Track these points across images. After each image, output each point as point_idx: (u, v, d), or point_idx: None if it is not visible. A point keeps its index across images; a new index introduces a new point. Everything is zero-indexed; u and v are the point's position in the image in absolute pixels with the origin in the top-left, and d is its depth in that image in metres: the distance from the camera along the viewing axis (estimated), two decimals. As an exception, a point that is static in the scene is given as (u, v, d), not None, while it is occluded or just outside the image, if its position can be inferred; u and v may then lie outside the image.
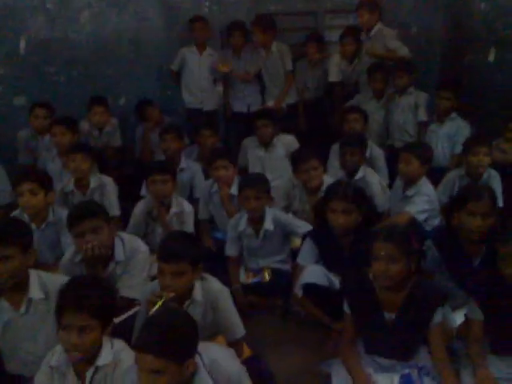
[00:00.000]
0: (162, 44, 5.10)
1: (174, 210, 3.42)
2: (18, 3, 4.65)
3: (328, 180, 3.47)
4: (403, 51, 4.62)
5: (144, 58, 5.08)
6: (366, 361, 2.33)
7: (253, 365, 2.31)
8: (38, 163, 4.38)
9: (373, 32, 4.74)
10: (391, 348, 2.29)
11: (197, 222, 3.67)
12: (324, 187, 3.24)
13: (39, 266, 2.72)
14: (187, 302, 2.30)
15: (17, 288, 2.25)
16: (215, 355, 1.88)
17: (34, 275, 2.31)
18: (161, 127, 4.51)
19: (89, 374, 1.94)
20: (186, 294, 2.28)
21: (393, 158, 3.93)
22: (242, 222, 3.24)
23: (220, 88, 5.22)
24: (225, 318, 2.38)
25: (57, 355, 1.97)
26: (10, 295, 2.27)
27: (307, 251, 2.92)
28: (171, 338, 1.67)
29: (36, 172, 3.42)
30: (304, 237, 3.03)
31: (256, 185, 3.15)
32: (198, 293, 2.31)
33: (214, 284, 2.39)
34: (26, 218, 3.12)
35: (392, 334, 2.27)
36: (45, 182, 3.17)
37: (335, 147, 4.06)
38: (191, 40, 4.96)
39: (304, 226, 3.21)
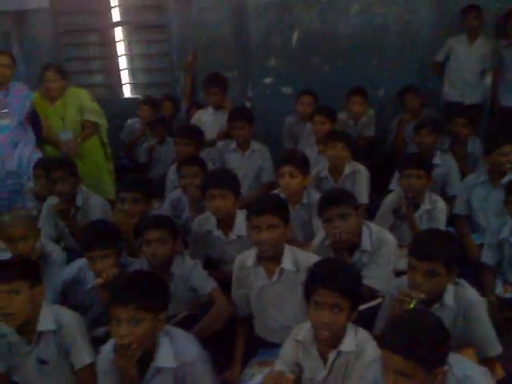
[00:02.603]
0: (428, 35, 4.92)
1: (425, 206, 3.26)
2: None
3: None
4: None
5: (409, 49, 4.96)
6: None
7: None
8: (298, 148, 4.65)
9: None
10: None
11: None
12: None
13: (293, 241, 2.91)
14: (436, 305, 2.16)
15: (272, 258, 2.44)
16: (469, 371, 1.71)
17: (288, 249, 2.47)
18: (418, 120, 4.36)
19: (331, 357, 1.97)
20: (437, 296, 2.15)
21: None
22: (505, 228, 2.92)
23: (488, 80, 4.79)
24: (478, 330, 2.17)
25: (304, 331, 2.05)
26: (267, 264, 2.47)
27: None
28: (422, 342, 1.58)
29: (296, 157, 3.60)
30: None
31: None
32: (449, 297, 2.15)
33: (470, 291, 2.20)
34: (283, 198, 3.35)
35: None
36: (303, 166, 3.32)
37: None
38: (460, 30, 4.66)
39: None
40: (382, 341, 1.67)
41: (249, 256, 2.52)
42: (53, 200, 3.44)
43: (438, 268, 2.06)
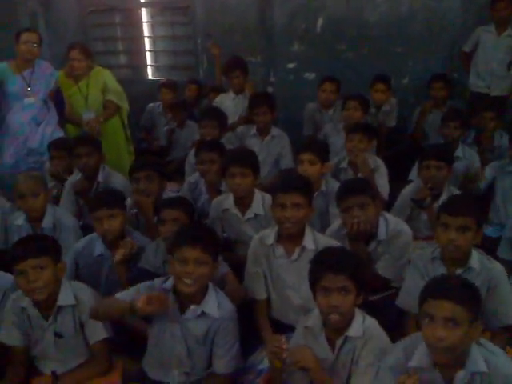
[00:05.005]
0: (456, 24, 4.80)
1: (444, 198, 3.20)
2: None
3: None
4: None
5: (436, 38, 4.85)
6: None
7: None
8: (319, 135, 4.59)
9: None
10: None
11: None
12: None
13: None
14: (460, 270, 2.27)
15: (293, 237, 2.48)
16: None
17: (309, 230, 2.52)
18: (441, 110, 4.32)
19: (339, 342, 1.99)
20: (462, 259, 2.27)
21: None
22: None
23: (516, 72, 4.69)
24: (502, 299, 2.27)
25: (312, 318, 2.07)
26: (286, 243, 2.50)
27: None
28: (469, 290, 1.74)
29: (316, 143, 3.58)
30: None
31: None
32: (475, 261, 2.27)
33: (497, 263, 2.31)
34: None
35: None
36: (323, 153, 3.28)
37: None
38: (490, 20, 4.54)
39: None
40: (425, 295, 1.76)
41: (269, 234, 2.54)
42: (76, 176, 3.51)
43: (470, 224, 2.20)
